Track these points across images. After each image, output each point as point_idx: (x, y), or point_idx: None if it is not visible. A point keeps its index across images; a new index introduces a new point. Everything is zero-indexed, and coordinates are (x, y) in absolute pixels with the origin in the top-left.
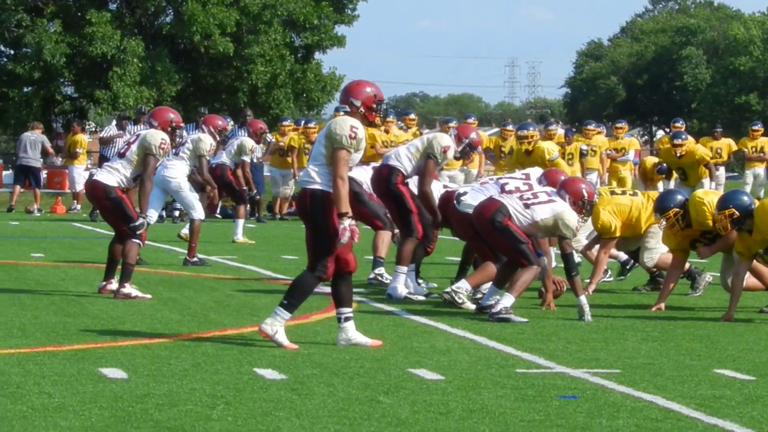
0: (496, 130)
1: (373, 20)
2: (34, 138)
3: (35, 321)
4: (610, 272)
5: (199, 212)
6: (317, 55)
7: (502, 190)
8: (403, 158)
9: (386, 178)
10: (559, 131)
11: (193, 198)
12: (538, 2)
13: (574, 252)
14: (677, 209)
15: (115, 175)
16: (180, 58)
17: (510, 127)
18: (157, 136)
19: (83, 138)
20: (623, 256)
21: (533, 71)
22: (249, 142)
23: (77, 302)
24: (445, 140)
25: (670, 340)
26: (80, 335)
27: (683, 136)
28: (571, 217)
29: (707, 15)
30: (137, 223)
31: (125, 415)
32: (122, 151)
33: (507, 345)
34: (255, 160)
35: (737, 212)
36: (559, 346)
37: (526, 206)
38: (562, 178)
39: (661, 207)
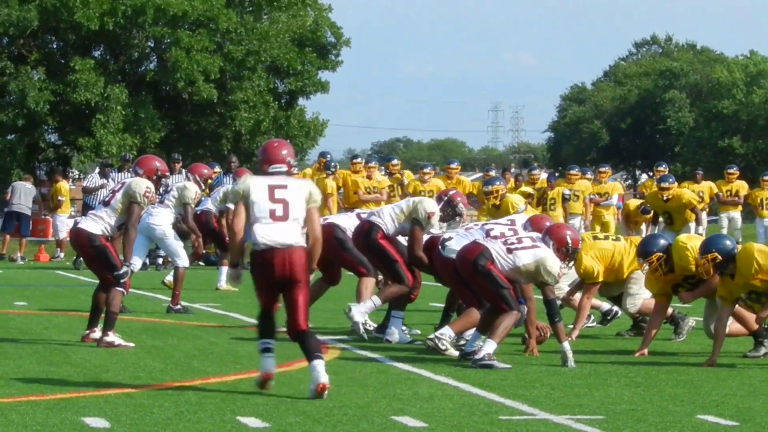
0: (479, 175)
1: (356, 65)
2: (30, 188)
3: (18, 370)
4: (593, 317)
5: (183, 260)
6: (301, 101)
7: (487, 235)
8: (386, 217)
9: (366, 233)
10: (542, 176)
11: (177, 245)
12: (522, 47)
13: (556, 298)
14: (660, 254)
15: (99, 224)
16: (163, 105)
17: (493, 173)
18: (142, 185)
19: (66, 186)
20: (605, 305)
21: (516, 115)
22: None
23: (60, 351)
24: (430, 206)
25: (654, 385)
26: (63, 384)
27: (670, 180)
28: (553, 263)
29: (690, 58)
30: (121, 272)
31: None
32: (107, 199)
33: (490, 392)
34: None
35: (720, 256)
36: (542, 393)
37: (509, 251)
38: (547, 224)
39: (644, 251)
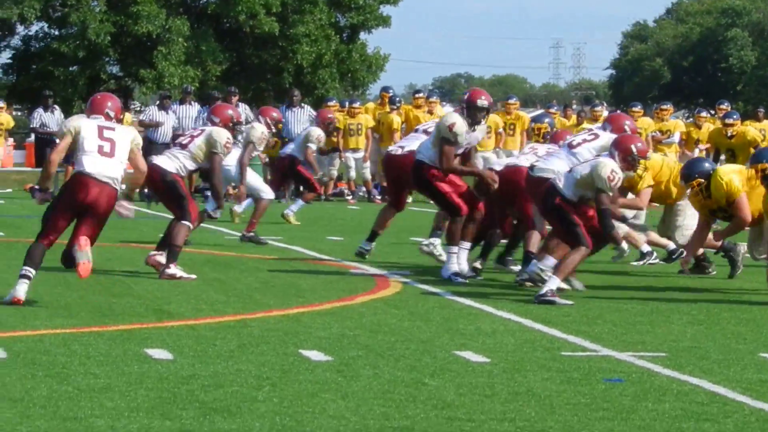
0: (541, 111)
1: (418, 0)
2: None
3: (81, 301)
4: (655, 254)
5: (267, 193)
6: (362, 35)
7: (570, 147)
8: (426, 148)
9: (415, 172)
10: (604, 113)
11: (257, 179)
12: None
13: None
14: (701, 180)
15: (174, 162)
16: (225, 38)
17: (554, 109)
18: (223, 135)
19: (128, 116)
20: (671, 244)
21: (578, 52)
22: (316, 131)
23: (123, 282)
24: (449, 119)
25: (716, 323)
26: (126, 316)
27: (735, 116)
28: (604, 167)
29: None
30: (216, 214)
31: (171, 396)
32: (185, 142)
33: (552, 328)
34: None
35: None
36: (604, 329)
37: (570, 170)
38: (626, 124)
39: (686, 174)
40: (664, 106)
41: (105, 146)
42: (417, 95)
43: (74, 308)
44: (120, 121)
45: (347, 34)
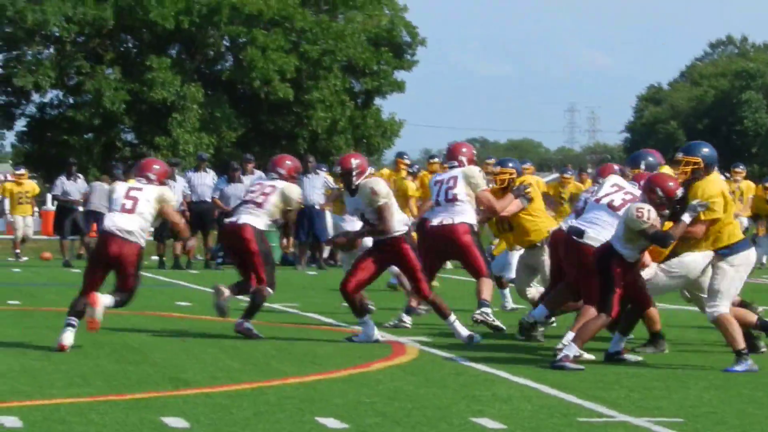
0: (556, 175)
1: (432, 65)
2: (107, 188)
3: (96, 369)
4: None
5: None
6: (377, 101)
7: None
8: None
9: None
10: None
11: None
12: (598, 47)
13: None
14: None
15: (261, 219)
16: (240, 104)
17: (569, 174)
18: (296, 190)
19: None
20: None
21: (593, 116)
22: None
23: (138, 350)
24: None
25: (733, 387)
26: (141, 384)
27: None
28: (630, 209)
29: (766, 59)
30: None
31: None
32: (257, 200)
33: (569, 393)
34: (316, 206)
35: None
36: (621, 395)
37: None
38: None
39: None
40: (738, 168)
41: (127, 204)
42: (432, 160)
43: (90, 376)
44: (163, 184)
45: (362, 100)
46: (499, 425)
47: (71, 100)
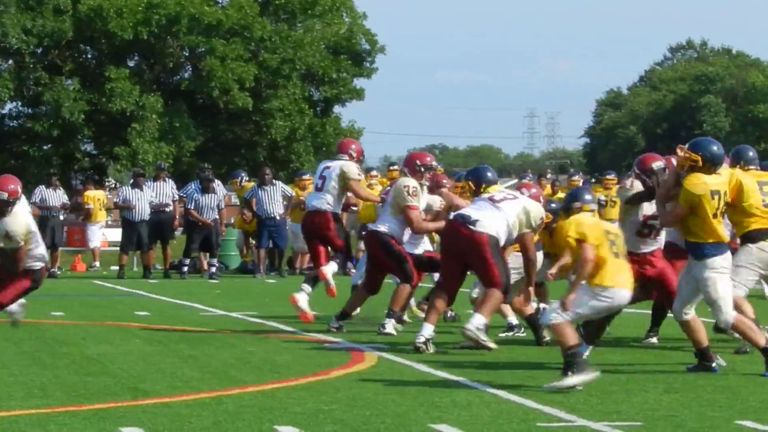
0: (515, 181)
1: (391, 72)
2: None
3: (56, 380)
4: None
5: None
6: (336, 109)
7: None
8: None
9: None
10: (580, 182)
11: None
12: (557, 52)
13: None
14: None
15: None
16: (199, 114)
17: (528, 179)
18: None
19: (95, 194)
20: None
21: (552, 121)
22: None
23: (98, 361)
24: (406, 182)
25: (692, 390)
26: (101, 395)
27: None
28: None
29: (726, 63)
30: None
31: None
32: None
33: (528, 398)
34: (277, 216)
35: None
36: (580, 399)
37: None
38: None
39: None
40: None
41: None
42: (392, 167)
43: (49, 388)
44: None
45: (321, 108)
46: (459, 431)
47: (30, 111)
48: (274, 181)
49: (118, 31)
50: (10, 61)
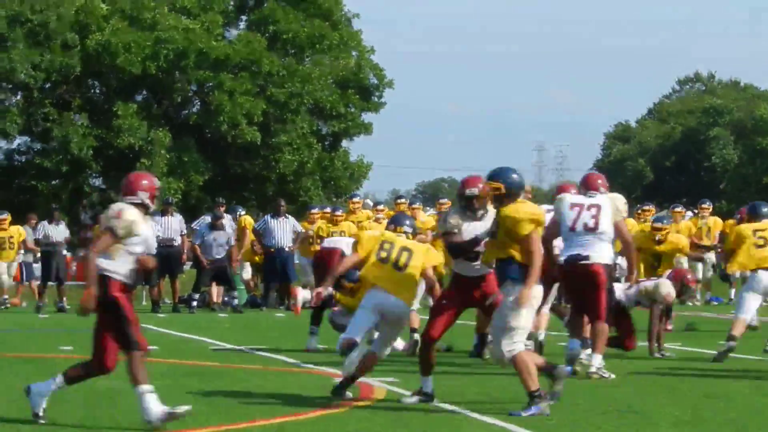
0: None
1: (399, 105)
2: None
3: (65, 415)
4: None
5: None
6: (344, 143)
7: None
8: None
9: None
10: None
11: None
12: (565, 85)
13: None
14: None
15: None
16: (207, 148)
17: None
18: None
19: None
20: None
21: (561, 154)
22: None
23: (107, 396)
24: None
25: (700, 423)
26: (110, 429)
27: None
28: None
29: (734, 95)
30: None
31: None
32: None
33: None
34: (287, 248)
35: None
36: None
37: None
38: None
39: None
40: (646, 207)
41: None
42: (399, 200)
43: (58, 422)
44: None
45: (329, 142)
46: None
47: (39, 147)
48: (287, 215)
49: (126, 66)
50: (19, 96)
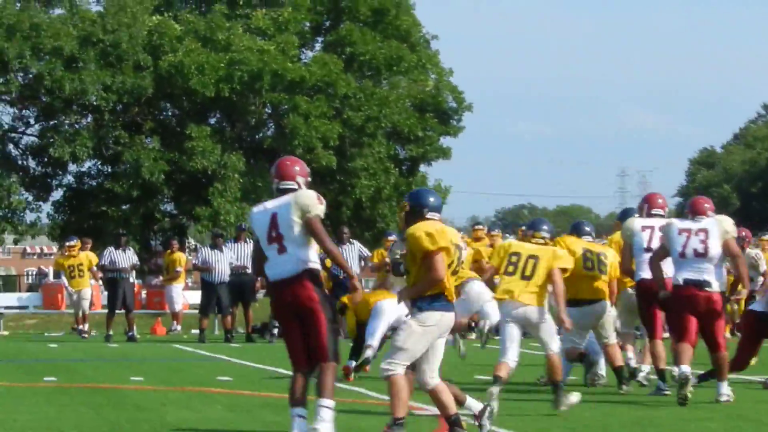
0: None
1: (478, 129)
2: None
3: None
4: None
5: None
6: (422, 167)
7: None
8: None
9: None
10: None
11: None
12: (649, 110)
13: None
14: None
15: None
16: None
17: None
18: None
19: (182, 256)
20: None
21: (644, 180)
22: None
23: (178, 428)
24: None
25: None
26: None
27: None
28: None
29: None
30: None
31: None
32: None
33: None
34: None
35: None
36: None
37: None
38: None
39: None
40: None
41: None
42: (477, 227)
43: None
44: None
45: (407, 167)
46: None
47: (109, 170)
48: (351, 240)
49: (199, 88)
50: (89, 119)
